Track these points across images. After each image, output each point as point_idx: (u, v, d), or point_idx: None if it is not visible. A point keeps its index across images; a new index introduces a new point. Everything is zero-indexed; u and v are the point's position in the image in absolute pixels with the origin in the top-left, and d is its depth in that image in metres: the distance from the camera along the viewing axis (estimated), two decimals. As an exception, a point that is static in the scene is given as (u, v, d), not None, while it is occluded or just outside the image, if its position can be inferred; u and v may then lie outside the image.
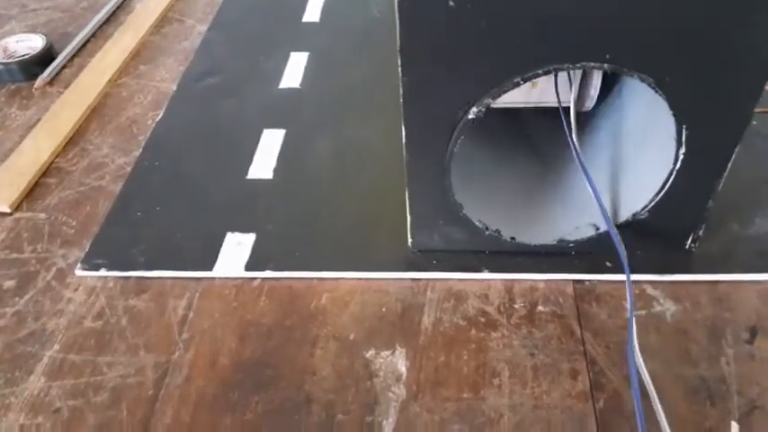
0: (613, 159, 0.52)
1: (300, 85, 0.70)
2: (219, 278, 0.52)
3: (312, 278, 0.51)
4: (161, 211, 0.57)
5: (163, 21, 0.83)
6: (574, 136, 0.50)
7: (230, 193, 0.58)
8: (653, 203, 0.47)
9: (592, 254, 0.50)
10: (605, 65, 0.40)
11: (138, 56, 0.77)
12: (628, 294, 0.43)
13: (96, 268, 0.52)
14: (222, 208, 0.57)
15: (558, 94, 0.55)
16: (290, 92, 0.69)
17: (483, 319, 0.48)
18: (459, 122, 0.43)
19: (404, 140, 0.44)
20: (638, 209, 0.48)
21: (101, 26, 0.83)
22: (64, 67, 0.76)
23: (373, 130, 0.63)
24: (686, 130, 0.43)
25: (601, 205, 0.46)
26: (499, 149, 0.57)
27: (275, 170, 0.60)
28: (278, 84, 0.70)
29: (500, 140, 0.58)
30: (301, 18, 0.81)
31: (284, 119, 0.65)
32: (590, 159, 0.53)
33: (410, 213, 0.50)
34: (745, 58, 0.39)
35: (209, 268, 0.52)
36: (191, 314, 0.49)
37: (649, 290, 0.50)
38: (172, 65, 0.75)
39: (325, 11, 0.82)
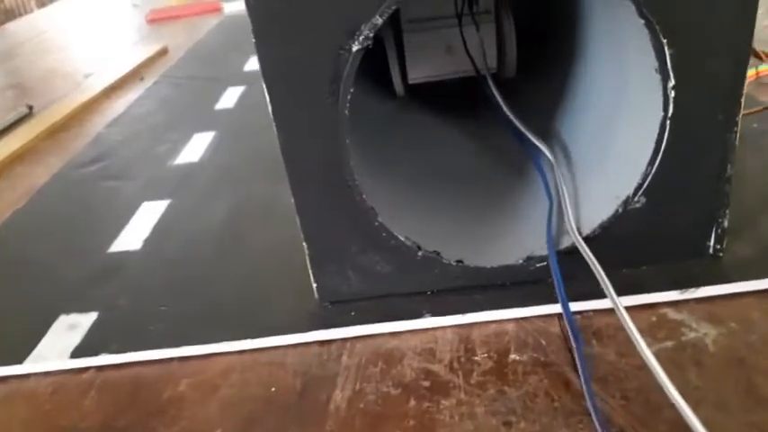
0: (586, 139, 0.38)
1: (199, 159, 0.57)
2: (35, 374, 0.35)
3: (170, 358, 0.34)
4: (-24, 302, 0.41)
5: (60, 128, 0.73)
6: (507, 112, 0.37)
7: (79, 272, 0.42)
8: (649, 180, 0.33)
9: (578, 274, 0.34)
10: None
11: (17, 160, 0.66)
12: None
13: None
14: (62, 288, 0.41)
15: (472, 59, 0.49)
16: (185, 166, 0.56)
17: (427, 383, 0.31)
18: (346, 63, 0.29)
19: (270, 112, 0.31)
20: (629, 192, 0.33)
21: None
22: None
23: (280, 186, 0.49)
24: (670, 47, 0.30)
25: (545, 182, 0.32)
26: (429, 153, 0.43)
27: (146, 240, 0.45)
28: (173, 161, 0.58)
29: (430, 142, 0.45)
30: (214, 106, 0.71)
31: (171, 191, 0.52)
32: (553, 150, 0.39)
33: (306, 240, 0.34)
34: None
35: (20, 361, 0.35)
36: (-27, 430, 0.31)
37: (671, 313, 0.33)
38: (55, 163, 0.63)
39: (243, 98, 0.73)
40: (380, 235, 0.33)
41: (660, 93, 0.31)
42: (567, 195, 0.34)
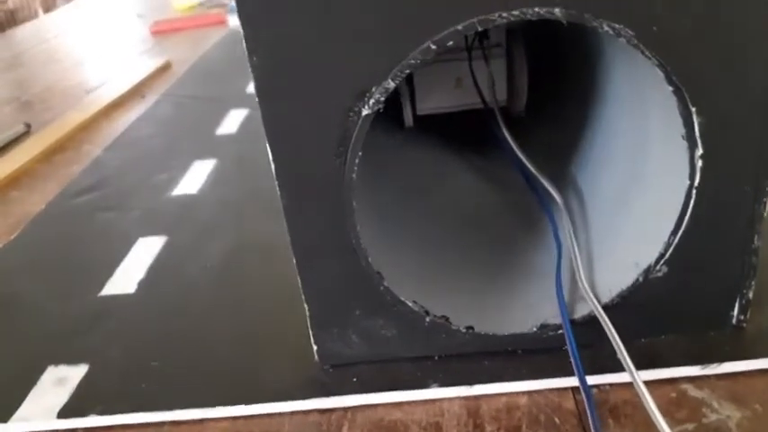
0: (603, 198, 0.36)
1: (198, 191, 0.56)
2: (18, 435, 0.33)
3: (161, 422, 0.32)
4: (-40, 348, 0.39)
5: (55, 150, 0.71)
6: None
7: (70, 316, 0.41)
8: (671, 250, 0.31)
9: (593, 344, 0.32)
10: (557, 10, 0.26)
11: (12, 184, 0.64)
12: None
13: None
14: (52, 335, 0.39)
15: (480, 92, 0.48)
16: (184, 198, 0.55)
17: (433, 464, 0.29)
18: (352, 126, 0.27)
19: (273, 170, 0.29)
20: (651, 262, 0.31)
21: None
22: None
23: (280, 225, 0.48)
24: (698, 115, 0.28)
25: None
26: (437, 197, 0.42)
27: (140, 283, 0.43)
28: (171, 192, 0.56)
29: (437, 183, 0.43)
30: (216, 131, 0.69)
31: (169, 226, 0.50)
32: (565, 200, 0.37)
33: (307, 302, 0.32)
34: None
35: (5, 419, 0.33)
36: (-49, 499, 0.30)
37: (692, 390, 0.31)
38: (51, 188, 0.62)
39: (245, 122, 0.71)
40: (386, 299, 0.32)
41: (686, 160, 0.29)
42: (581, 263, 0.32)
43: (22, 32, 1.46)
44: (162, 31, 1.26)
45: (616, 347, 0.29)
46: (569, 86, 0.47)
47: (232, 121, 0.72)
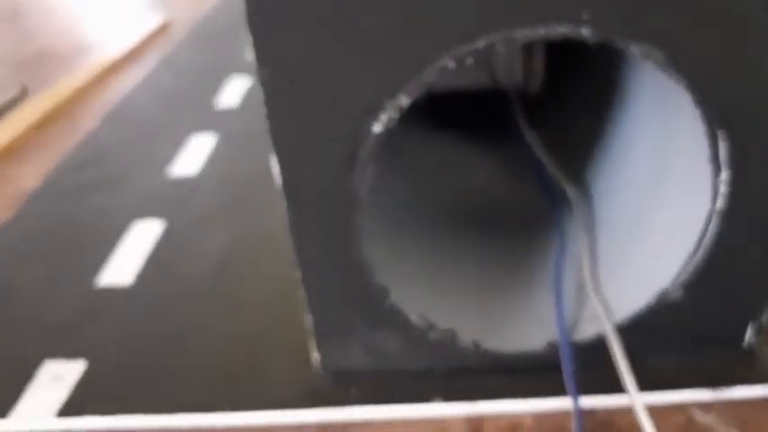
0: (620, 211, 0.35)
1: (199, 172, 0.54)
2: (15, 435, 0.32)
3: (158, 428, 0.32)
4: (-45, 340, 0.38)
5: (49, 119, 0.69)
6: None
7: (68, 307, 0.40)
8: (690, 272, 0.30)
9: (603, 364, 0.31)
10: (583, 30, 0.24)
11: (6, 155, 0.62)
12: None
13: None
14: (49, 327, 0.39)
15: (494, 72, 0.48)
16: (183, 180, 0.53)
17: (434, 485, 0.29)
18: (362, 143, 0.26)
19: (280, 183, 0.28)
20: (666, 284, 0.30)
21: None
22: None
23: (280, 218, 0.47)
24: (725, 139, 0.27)
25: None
26: (447, 205, 0.40)
27: (139, 275, 0.42)
28: (170, 171, 0.55)
29: (449, 189, 0.42)
30: (217, 104, 0.67)
31: (168, 210, 0.49)
32: (587, 215, 0.36)
33: (311, 313, 0.32)
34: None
35: (3, 414, 0.33)
36: (-54, 505, 0.29)
37: (699, 415, 0.31)
38: (46, 162, 0.60)
39: (249, 94, 0.69)
40: (391, 313, 0.31)
41: (709, 184, 0.28)
42: (591, 283, 0.31)
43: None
44: (162, -14, 1.22)
45: (619, 371, 0.29)
46: (589, 70, 0.44)
47: (235, 92, 0.70)
